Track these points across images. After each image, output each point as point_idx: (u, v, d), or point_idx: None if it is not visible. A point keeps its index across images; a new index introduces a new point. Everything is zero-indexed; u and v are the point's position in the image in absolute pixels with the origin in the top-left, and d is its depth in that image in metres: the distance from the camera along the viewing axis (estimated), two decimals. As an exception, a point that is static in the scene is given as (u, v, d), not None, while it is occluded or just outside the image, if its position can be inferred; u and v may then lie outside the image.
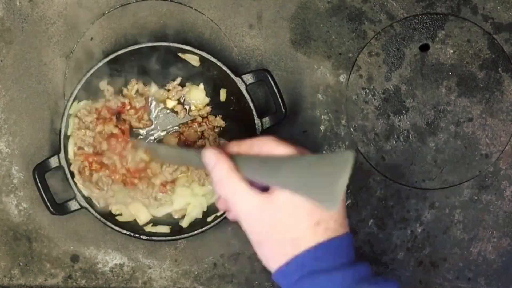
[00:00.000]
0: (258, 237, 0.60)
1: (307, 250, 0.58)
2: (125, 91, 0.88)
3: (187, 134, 0.88)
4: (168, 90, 0.89)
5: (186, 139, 0.88)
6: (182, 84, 0.89)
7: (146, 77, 0.89)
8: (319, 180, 0.55)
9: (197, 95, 0.89)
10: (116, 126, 0.86)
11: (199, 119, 0.89)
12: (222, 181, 0.61)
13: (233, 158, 0.62)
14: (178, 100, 0.90)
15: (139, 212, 0.87)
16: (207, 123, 0.89)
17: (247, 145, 0.63)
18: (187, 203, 0.88)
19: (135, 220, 0.87)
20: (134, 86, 0.87)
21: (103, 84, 0.87)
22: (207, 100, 0.90)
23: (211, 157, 0.62)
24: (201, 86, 0.89)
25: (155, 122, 0.90)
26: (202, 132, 0.88)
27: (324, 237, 0.58)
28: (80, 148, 0.85)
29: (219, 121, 0.89)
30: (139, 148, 0.85)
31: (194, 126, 0.88)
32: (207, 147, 0.64)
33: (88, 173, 0.85)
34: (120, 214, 0.87)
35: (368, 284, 0.58)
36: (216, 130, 0.89)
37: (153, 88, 0.89)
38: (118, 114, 0.87)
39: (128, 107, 0.87)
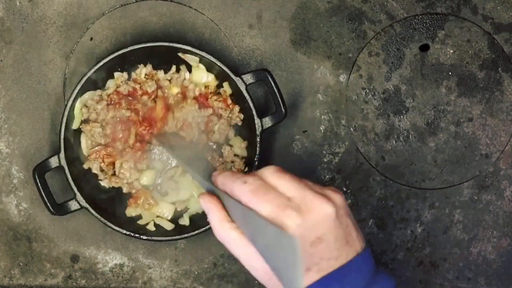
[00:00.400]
0: (260, 280, 0.61)
1: None
2: (134, 75, 0.88)
3: (211, 102, 0.87)
4: (169, 80, 0.89)
5: (205, 99, 0.88)
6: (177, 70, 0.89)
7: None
8: (285, 269, 0.54)
9: (200, 74, 0.88)
10: (128, 108, 0.86)
11: (228, 101, 0.88)
12: (215, 229, 0.62)
13: (223, 199, 0.62)
14: (182, 84, 0.88)
15: (163, 208, 0.88)
16: (230, 112, 0.87)
17: (229, 186, 0.61)
18: (191, 195, 0.88)
19: (153, 221, 0.88)
20: (142, 69, 0.87)
21: (111, 82, 0.87)
22: (211, 75, 0.88)
23: (203, 205, 0.63)
24: (201, 65, 0.88)
25: None
26: (221, 115, 0.87)
27: (320, 276, 0.58)
28: (96, 144, 0.86)
29: (238, 119, 0.87)
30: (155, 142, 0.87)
31: (221, 104, 0.87)
32: (201, 195, 0.64)
33: (104, 168, 0.87)
34: (140, 218, 0.88)
35: None
36: (232, 122, 0.88)
37: (161, 74, 0.88)
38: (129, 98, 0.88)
39: (140, 92, 0.87)
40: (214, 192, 0.64)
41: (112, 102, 0.86)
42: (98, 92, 0.87)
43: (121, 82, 0.87)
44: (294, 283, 0.51)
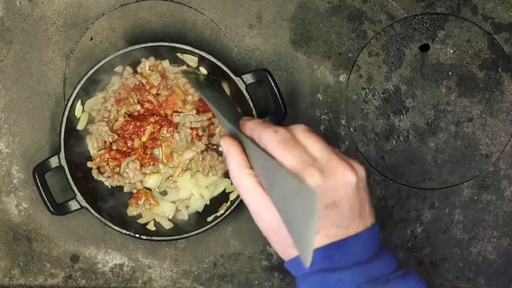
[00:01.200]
0: (264, 232, 0.61)
1: None
2: (139, 69, 0.88)
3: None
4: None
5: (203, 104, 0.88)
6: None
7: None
8: (297, 223, 0.53)
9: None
10: (138, 102, 0.87)
11: None
12: (232, 173, 0.62)
13: (246, 145, 0.62)
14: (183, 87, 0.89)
15: (164, 207, 0.88)
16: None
17: (257, 132, 0.61)
18: (191, 194, 0.88)
19: (153, 220, 0.88)
20: (146, 63, 0.87)
21: (115, 79, 0.88)
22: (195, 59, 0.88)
23: (224, 146, 0.63)
24: (202, 69, 0.88)
25: None
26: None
27: (326, 241, 0.58)
28: (103, 143, 0.87)
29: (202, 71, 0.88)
30: (187, 80, 0.86)
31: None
32: (223, 136, 0.64)
33: (109, 172, 0.87)
34: (140, 216, 0.88)
35: (378, 285, 0.58)
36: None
37: (165, 63, 0.88)
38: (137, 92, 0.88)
39: (148, 87, 0.87)
40: (237, 137, 0.63)
41: (121, 97, 0.87)
42: (101, 94, 0.87)
43: (128, 75, 0.87)
44: (305, 238, 0.51)
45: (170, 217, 0.88)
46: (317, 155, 0.58)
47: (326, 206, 0.57)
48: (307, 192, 0.50)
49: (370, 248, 0.60)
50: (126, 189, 0.88)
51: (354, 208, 0.59)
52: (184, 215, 0.88)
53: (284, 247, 0.60)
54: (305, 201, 0.50)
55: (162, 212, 0.88)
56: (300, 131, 0.60)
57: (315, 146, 0.59)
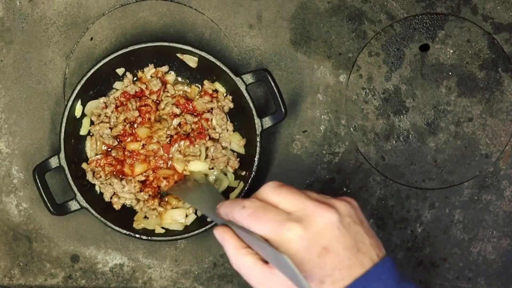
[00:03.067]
0: None
1: None
2: (140, 74, 0.88)
3: (196, 104, 0.88)
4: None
5: (194, 109, 0.88)
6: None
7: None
8: (292, 280, 0.53)
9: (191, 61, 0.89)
10: (136, 109, 0.87)
11: (210, 91, 0.88)
12: (231, 257, 0.61)
13: (235, 230, 0.62)
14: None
15: (174, 214, 0.87)
16: (217, 101, 0.88)
17: (230, 215, 0.61)
18: None
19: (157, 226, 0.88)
20: (151, 69, 0.88)
21: (118, 84, 0.88)
22: (195, 59, 0.88)
23: (218, 236, 0.63)
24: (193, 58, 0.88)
25: None
26: (211, 109, 0.88)
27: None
28: (101, 147, 0.87)
29: (228, 102, 0.88)
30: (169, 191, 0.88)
31: (206, 98, 0.88)
32: (215, 228, 0.63)
33: (104, 177, 0.86)
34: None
35: None
36: (225, 109, 0.88)
37: (171, 76, 0.89)
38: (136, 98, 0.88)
39: (148, 93, 0.87)
40: (228, 225, 0.63)
41: (123, 104, 0.87)
42: (103, 99, 0.87)
43: (129, 82, 0.87)
44: None
45: (182, 221, 0.87)
46: (292, 208, 0.58)
47: (318, 254, 0.56)
48: (280, 258, 0.51)
49: (387, 282, 0.57)
50: (116, 207, 0.87)
51: (348, 246, 0.57)
52: (187, 222, 0.88)
53: None
54: (286, 266, 0.51)
55: (174, 219, 0.87)
56: (269, 191, 0.60)
57: (287, 200, 0.59)
